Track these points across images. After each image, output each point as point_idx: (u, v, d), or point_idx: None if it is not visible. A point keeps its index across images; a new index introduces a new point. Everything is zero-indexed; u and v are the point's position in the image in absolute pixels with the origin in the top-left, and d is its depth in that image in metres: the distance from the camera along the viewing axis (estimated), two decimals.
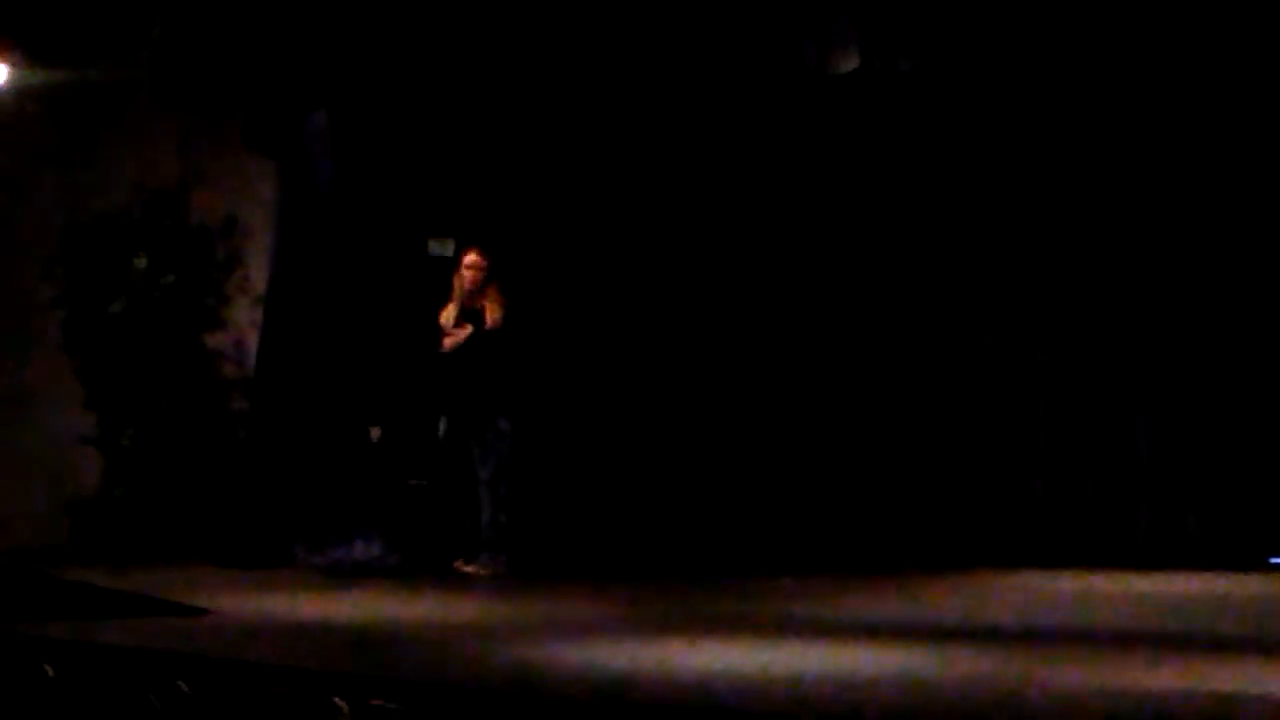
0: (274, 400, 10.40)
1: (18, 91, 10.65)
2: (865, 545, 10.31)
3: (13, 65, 10.61)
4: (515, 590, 9.10)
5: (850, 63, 9.76)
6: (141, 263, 10.50)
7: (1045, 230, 10.40)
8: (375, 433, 10.30)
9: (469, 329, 9.73)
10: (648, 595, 8.87)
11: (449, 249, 10.35)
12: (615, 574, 9.81)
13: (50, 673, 6.13)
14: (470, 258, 9.83)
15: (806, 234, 10.71)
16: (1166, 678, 5.93)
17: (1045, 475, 10.45)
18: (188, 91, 10.64)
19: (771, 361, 10.73)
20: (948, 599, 8.74)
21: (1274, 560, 9.87)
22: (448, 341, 9.77)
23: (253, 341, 10.68)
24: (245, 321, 10.81)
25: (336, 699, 5.44)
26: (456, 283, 9.81)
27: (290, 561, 9.79)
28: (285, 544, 9.90)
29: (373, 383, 10.39)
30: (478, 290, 9.76)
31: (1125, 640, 7.04)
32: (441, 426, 9.80)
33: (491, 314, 9.75)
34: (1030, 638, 7.18)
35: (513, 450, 9.67)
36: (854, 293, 10.75)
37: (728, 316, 10.72)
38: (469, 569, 9.61)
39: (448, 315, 9.82)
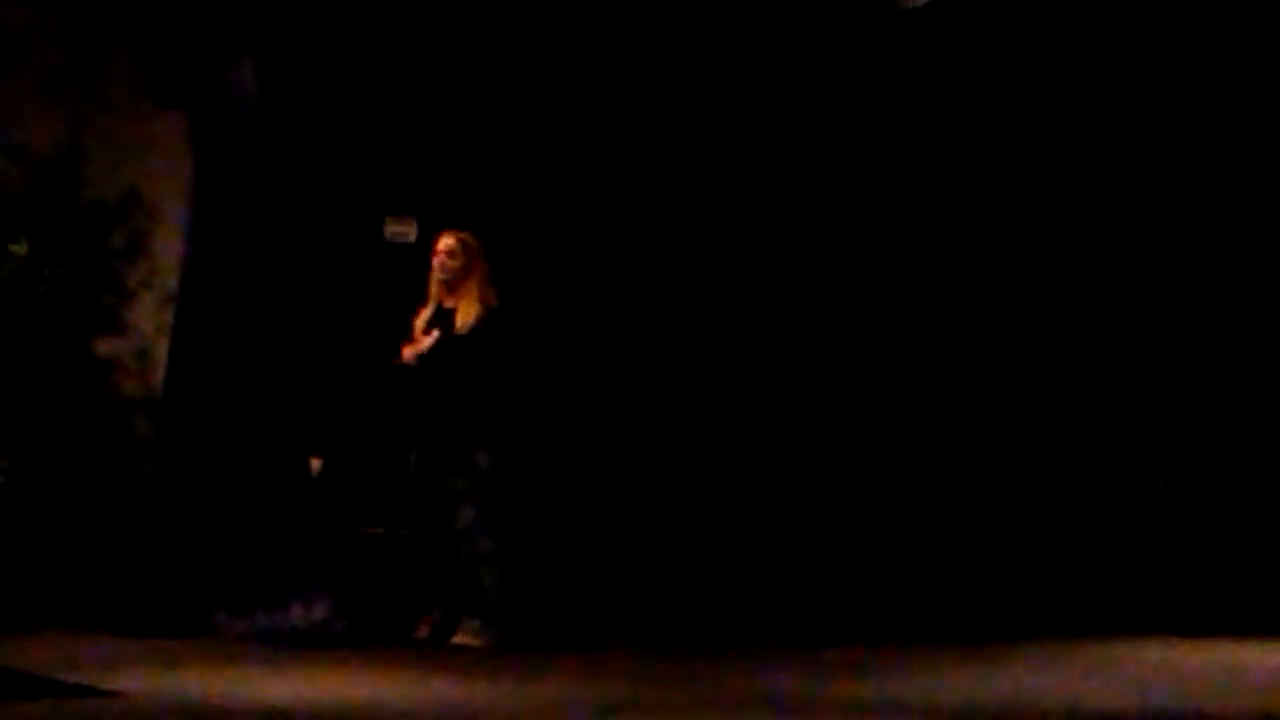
0: (188, 424, 10.31)
1: None
2: (927, 610, 10.64)
3: None
4: (504, 666, 9.05)
5: None
6: (19, 250, 10.38)
7: (1169, 203, 10.82)
8: (316, 465, 10.28)
9: (434, 335, 9.74)
10: (671, 671, 8.91)
11: (412, 232, 10.43)
12: (629, 644, 9.86)
13: None
14: (443, 242, 9.83)
15: (865, 217, 11.03)
16: None
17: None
18: (78, 32, 10.59)
19: (819, 383, 11.02)
20: (1028, 675, 8.87)
21: None
22: (407, 351, 9.79)
23: (161, 350, 10.60)
24: (151, 325, 10.74)
25: None
26: (432, 278, 9.85)
27: (210, 630, 9.78)
28: (203, 607, 9.87)
29: (313, 402, 10.36)
30: (454, 283, 9.76)
31: None
32: (412, 460, 9.86)
33: (464, 315, 9.76)
34: None
35: (497, 492, 9.66)
36: (914, 292, 11.08)
37: (766, 319, 10.95)
38: (456, 639, 9.63)
39: (423, 319, 9.85)
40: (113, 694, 7.66)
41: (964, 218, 10.96)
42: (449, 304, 9.79)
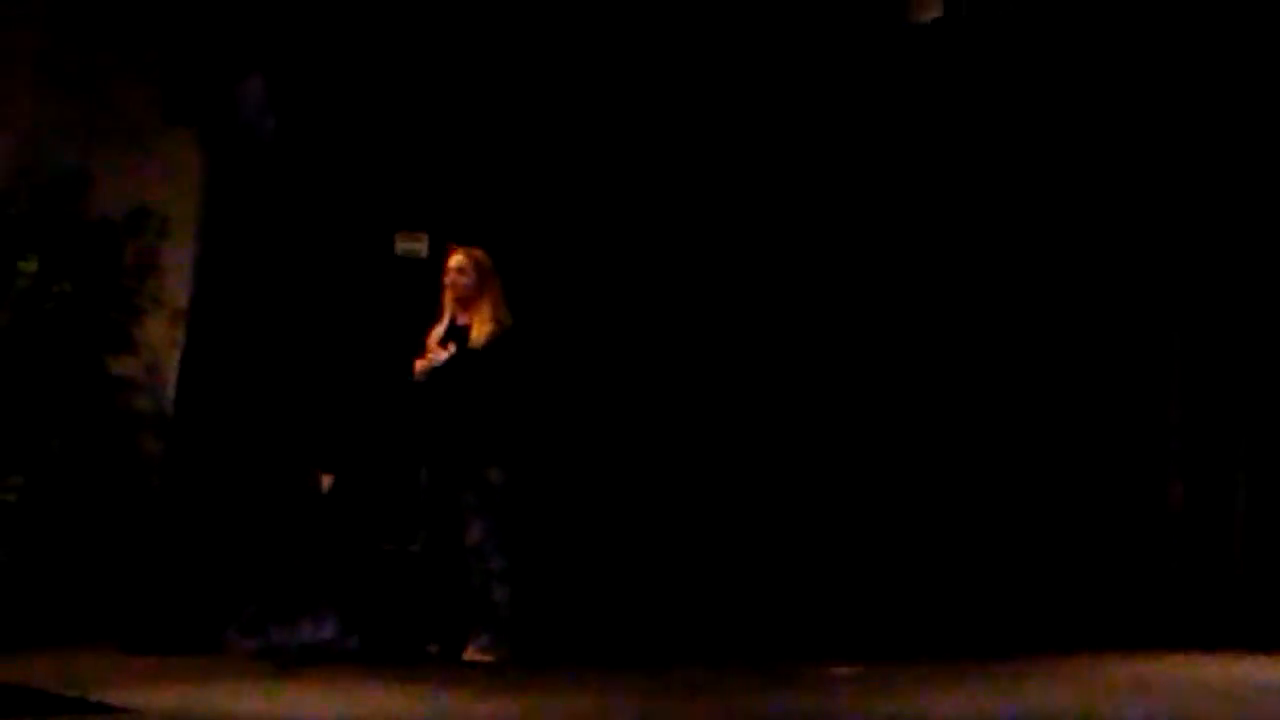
0: (198, 441, 10.30)
1: None
2: (935, 626, 10.56)
3: None
4: (514, 682, 9.04)
5: (933, 9, 9.96)
6: (29, 267, 10.37)
7: (1175, 215, 10.75)
8: (327, 482, 10.26)
9: (449, 350, 9.75)
10: (681, 688, 8.90)
11: (423, 248, 10.41)
12: (640, 660, 9.85)
13: None
14: (454, 259, 9.85)
15: (875, 230, 10.99)
16: None
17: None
18: (86, 50, 10.60)
19: (828, 399, 10.99)
20: (1037, 691, 8.86)
21: None
22: (419, 365, 9.80)
23: (171, 366, 10.61)
24: (161, 341, 10.75)
25: None
26: (445, 294, 9.87)
27: (220, 647, 9.77)
28: (213, 624, 9.87)
29: (324, 418, 10.35)
30: (468, 300, 9.78)
31: None
32: (423, 476, 9.85)
33: (478, 331, 9.77)
34: None
35: (509, 508, 9.67)
36: (926, 307, 11.03)
37: (779, 335, 10.93)
38: (467, 655, 9.62)
39: (436, 335, 9.88)
40: (128, 711, 7.65)
41: (971, 227, 10.95)
42: (462, 320, 9.80)
